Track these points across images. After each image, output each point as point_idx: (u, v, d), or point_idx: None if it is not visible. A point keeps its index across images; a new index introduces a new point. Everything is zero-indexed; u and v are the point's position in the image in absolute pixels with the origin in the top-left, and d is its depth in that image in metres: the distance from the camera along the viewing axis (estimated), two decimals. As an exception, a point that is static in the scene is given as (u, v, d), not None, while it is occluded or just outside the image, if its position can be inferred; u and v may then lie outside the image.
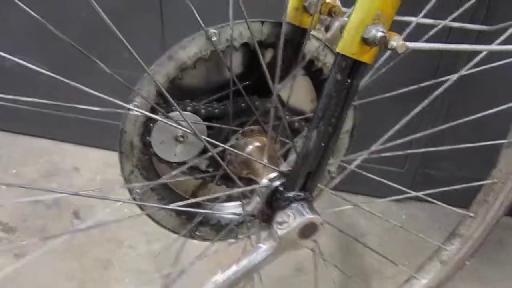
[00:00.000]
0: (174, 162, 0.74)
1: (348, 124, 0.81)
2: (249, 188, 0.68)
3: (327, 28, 0.74)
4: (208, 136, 0.73)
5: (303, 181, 0.62)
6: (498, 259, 1.43)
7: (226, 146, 0.67)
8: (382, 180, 0.84)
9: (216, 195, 0.75)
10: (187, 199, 0.81)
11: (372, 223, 1.50)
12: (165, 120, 0.63)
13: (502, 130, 0.84)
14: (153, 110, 0.67)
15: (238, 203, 0.87)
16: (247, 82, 0.75)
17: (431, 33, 0.70)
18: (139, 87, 0.66)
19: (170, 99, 0.59)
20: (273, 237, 0.60)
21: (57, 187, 1.56)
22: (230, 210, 0.87)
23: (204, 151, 0.74)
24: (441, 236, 0.98)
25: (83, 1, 0.48)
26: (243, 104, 0.73)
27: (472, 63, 0.71)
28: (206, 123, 0.72)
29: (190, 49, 0.67)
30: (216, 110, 0.73)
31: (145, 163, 0.73)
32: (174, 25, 1.35)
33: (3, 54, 0.48)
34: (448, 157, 1.48)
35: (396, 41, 0.52)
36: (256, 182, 0.71)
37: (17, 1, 0.49)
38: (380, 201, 1.41)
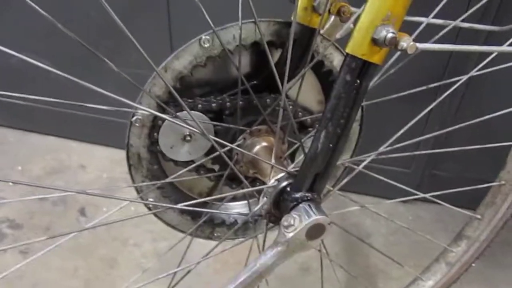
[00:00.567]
0: (182, 162, 0.74)
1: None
2: (256, 188, 0.68)
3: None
4: (216, 135, 0.73)
5: (311, 182, 0.61)
6: (505, 261, 1.43)
7: (233, 146, 0.67)
8: (389, 181, 0.83)
9: (224, 194, 0.75)
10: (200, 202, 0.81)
11: (378, 224, 1.50)
12: (173, 120, 0.63)
13: (511, 131, 0.84)
14: (161, 110, 0.67)
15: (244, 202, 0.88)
16: (254, 82, 0.75)
17: (441, 33, 0.70)
18: (147, 87, 0.66)
19: (178, 98, 0.59)
20: (281, 241, 0.59)
21: (64, 185, 1.57)
22: (238, 209, 0.87)
23: (211, 150, 0.74)
24: (447, 238, 0.97)
25: (94, 2, 0.48)
26: (251, 103, 0.73)
27: (481, 65, 0.71)
28: (214, 122, 0.72)
29: (185, 58, 0.67)
30: (224, 108, 0.73)
31: (155, 172, 0.73)
32: (181, 24, 1.35)
33: (11, 52, 0.48)
34: (455, 158, 1.47)
35: (406, 42, 0.51)
36: (263, 182, 0.70)
37: (30, 2, 0.49)
38: (387, 202, 1.40)
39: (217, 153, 0.64)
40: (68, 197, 1.50)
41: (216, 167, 0.79)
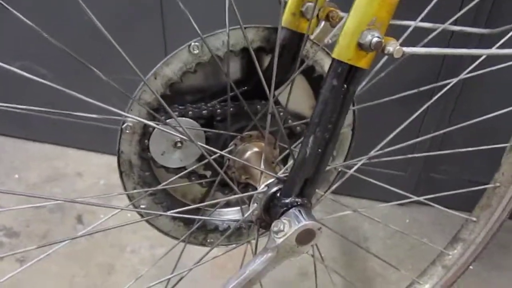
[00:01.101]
0: (173, 168, 0.74)
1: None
2: (246, 194, 0.68)
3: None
4: (207, 141, 0.73)
5: (301, 187, 0.61)
6: (503, 263, 1.42)
7: (222, 153, 0.67)
8: (383, 185, 0.83)
9: (215, 201, 0.75)
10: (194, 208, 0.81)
11: (375, 227, 1.49)
12: (162, 128, 0.63)
13: (506, 133, 0.84)
14: (150, 119, 0.67)
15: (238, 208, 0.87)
16: (244, 88, 0.75)
17: (429, 37, 0.69)
18: (137, 95, 0.66)
19: (166, 106, 0.59)
20: (271, 247, 0.59)
21: (60, 192, 1.57)
22: (232, 215, 0.87)
23: (203, 156, 0.74)
24: (445, 240, 0.97)
25: (88, 8, 0.48)
26: (242, 109, 0.73)
27: (471, 67, 0.71)
28: (204, 129, 0.72)
29: (175, 64, 0.67)
30: (215, 115, 0.73)
31: (147, 179, 0.73)
32: (175, 29, 1.35)
33: (3, 65, 0.48)
34: (452, 160, 1.47)
35: (393, 46, 0.51)
36: (255, 188, 0.70)
37: (12, 10, 0.49)
38: (382, 205, 1.40)
39: (207, 160, 0.64)
40: (65, 205, 1.50)
41: (209, 173, 0.79)
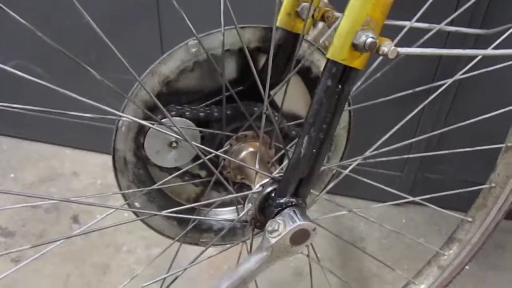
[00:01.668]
0: (167, 168, 0.74)
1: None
2: (240, 194, 0.68)
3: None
4: (202, 141, 0.73)
5: (295, 187, 0.61)
6: (500, 263, 1.42)
7: (217, 153, 0.67)
8: (379, 185, 0.83)
9: (210, 201, 0.75)
10: (175, 201, 0.81)
11: (371, 227, 1.49)
12: (157, 128, 0.63)
13: (502, 133, 0.84)
14: (146, 117, 0.67)
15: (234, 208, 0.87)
16: (241, 87, 0.75)
17: (425, 37, 0.70)
18: (132, 94, 0.66)
19: (160, 105, 0.59)
20: (265, 246, 0.59)
21: (56, 192, 1.56)
22: (227, 215, 0.87)
23: (198, 156, 0.74)
24: (441, 240, 0.97)
25: (83, 7, 0.48)
26: (237, 109, 0.73)
27: (467, 68, 0.71)
28: (200, 128, 0.72)
29: (172, 62, 0.67)
30: (211, 115, 0.72)
31: (141, 177, 0.73)
32: (172, 28, 1.35)
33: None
34: (448, 160, 1.47)
35: (387, 47, 0.51)
36: (250, 188, 0.70)
37: (8, 10, 0.49)
38: (377, 206, 1.40)
39: (202, 160, 0.64)
40: (61, 204, 1.49)
41: (204, 173, 0.79)
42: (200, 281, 1.28)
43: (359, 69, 0.54)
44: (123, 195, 0.73)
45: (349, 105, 0.78)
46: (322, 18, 0.69)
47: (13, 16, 0.48)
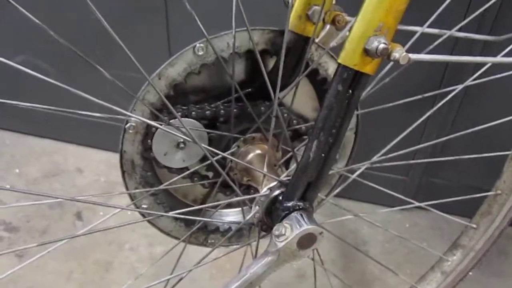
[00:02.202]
0: (176, 168, 0.74)
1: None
2: (248, 197, 0.68)
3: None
4: (210, 142, 0.73)
5: (303, 191, 0.61)
6: (503, 270, 1.42)
7: (225, 154, 0.67)
8: (385, 189, 0.83)
9: (217, 203, 0.75)
10: (182, 202, 0.81)
11: (375, 231, 1.49)
12: (164, 128, 0.63)
13: (508, 140, 0.84)
14: (155, 117, 0.67)
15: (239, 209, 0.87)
16: (250, 89, 0.75)
17: (435, 43, 0.69)
18: (141, 94, 0.66)
19: (170, 106, 0.59)
20: (272, 250, 0.59)
21: (60, 188, 1.57)
22: (233, 216, 0.87)
23: (205, 157, 0.74)
24: (444, 245, 0.97)
25: (92, 4, 0.48)
26: (246, 110, 0.73)
27: (476, 75, 0.71)
28: (207, 130, 0.72)
29: (179, 65, 0.67)
30: (218, 114, 0.72)
31: (149, 179, 0.73)
32: (179, 28, 1.35)
33: (4, 60, 0.48)
34: (453, 166, 1.47)
35: (399, 53, 0.51)
36: (257, 190, 0.70)
37: (17, 6, 0.49)
38: (381, 211, 1.40)
39: (210, 161, 0.64)
40: (65, 201, 1.50)
41: (210, 174, 0.79)
42: (201, 281, 1.28)
43: (370, 74, 0.54)
44: (130, 196, 0.73)
45: (356, 110, 0.78)
46: (333, 22, 0.69)
47: (22, 12, 0.48)
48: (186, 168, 0.76)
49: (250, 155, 0.74)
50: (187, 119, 0.70)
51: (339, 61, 0.53)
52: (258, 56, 0.63)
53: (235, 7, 0.60)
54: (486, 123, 0.75)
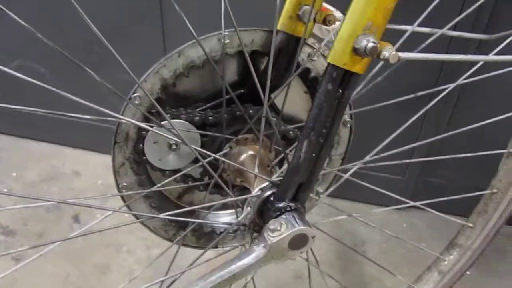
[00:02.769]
0: (167, 170, 0.74)
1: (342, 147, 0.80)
2: (240, 198, 0.68)
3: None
4: (202, 143, 0.73)
5: (294, 192, 0.61)
6: (500, 269, 1.42)
7: (216, 156, 0.67)
8: (381, 190, 0.83)
9: (209, 204, 0.75)
10: (172, 201, 0.80)
11: (372, 231, 1.49)
12: (156, 131, 0.63)
13: (504, 139, 0.83)
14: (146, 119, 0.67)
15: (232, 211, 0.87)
16: (242, 90, 0.75)
17: (427, 42, 0.69)
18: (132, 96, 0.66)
19: (159, 108, 0.59)
20: (263, 244, 0.59)
21: (58, 191, 1.56)
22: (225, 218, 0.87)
23: (198, 159, 0.74)
24: (442, 245, 0.97)
25: (87, 7, 0.48)
26: (237, 112, 0.72)
27: (468, 73, 0.70)
28: (200, 131, 0.72)
29: (170, 67, 0.67)
30: (210, 118, 0.72)
31: (137, 158, 0.72)
32: (175, 29, 1.35)
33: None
34: (449, 165, 1.47)
35: (388, 52, 0.51)
36: (249, 191, 0.70)
37: (8, 12, 0.49)
38: (378, 210, 1.40)
39: (201, 163, 0.64)
40: (62, 204, 1.49)
41: (204, 176, 0.79)
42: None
43: (360, 73, 0.53)
44: (122, 197, 0.73)
45: (350, 109, 0.77)
46: (324, 22, 0.68)
47: (13, 17, 0.48)
48: (180, 170, 0.75)
49: (243, 156, 0.73)
50: (179, 120, 0.70)
51: (328, 60, 0.53)
52: (247, 56, 0.62)
53: (224, 7, 0.60)
54: (483, 121, 0.75)
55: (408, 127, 0.73)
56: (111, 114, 0.58)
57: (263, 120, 0.63)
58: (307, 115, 0.57)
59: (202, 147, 0.72)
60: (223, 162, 0.73)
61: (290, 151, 0.73)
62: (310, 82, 0.77)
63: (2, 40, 1.52)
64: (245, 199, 0.66)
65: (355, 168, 0.71)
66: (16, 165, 1.66)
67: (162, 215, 0.69)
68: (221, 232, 0.82)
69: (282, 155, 0.75)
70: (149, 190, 0.73)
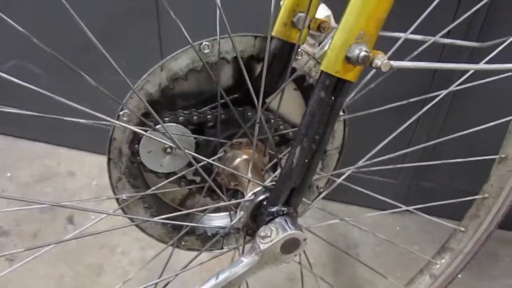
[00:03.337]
0: (162, 173, 0.74)
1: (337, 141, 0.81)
2: (233, 202, 0.68)
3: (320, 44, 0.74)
4: (197, 147, 0.73)
5: (287, 197, 0.62)
6: (492, 272, 1.43)
7: (210, 160, 0.68)
8: (373, 194, 0.84)
9: (203, 208, 0.75)
10: (174, 207, 0.81)
11: (365, 234, 1.49)
12: (150, 135, 0.63)
13: (496, 144, 0.84)
14: (141, 123, 0.68)
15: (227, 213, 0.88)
16: (237, 95, 0.75)
17: (419, 49, 0.70)
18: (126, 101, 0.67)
19: (153, 112, 0.59)
20: (255, 251, 0.59)
21: (52, 192, 1.56)
22: (219, 221, 0.87)
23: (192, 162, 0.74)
24: (435, 248, 0.97)
25: (84, 10, 0.49)
26: (232, 115, 0.73)
27: (460, 80, 0.71)
28: (194, 135, 0.72)
29: (167, 71, 0.68)
30: (205, 120, 0.73)
31: (133, 171, 0.73)
32: (171, 32, 1.35)
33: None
34: (442, 169, 1.48)
35: (380, 60, 0.52)
36: (243, 195, 0.71)
37: (4, 17, 0.49)
38: (371, 214, 1.41)
39: (195, 167, 0.64)
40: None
41: (198, 179, 0.79)
42: (191, 284, 1.28)
43: (353, 81, 0.54)
44: (117, 200, 0.73)
45: (344, 113, 0.78)
46: (318, 29, 0.69)
47: (12, 17, 0.49)
48: (174, 173, 0.76)
49: (237, 160, 0.74)
50: (174, 124, 0.71)
51: (321, 68, 0.54)
52: (241, 61, 0.63)
53: (219, 14, 0.60)
54: (475, 127, 0.76)
55: (401, 132, 0.74)
56: (106, 118, 0.58)
57: (257, 126, 0.63)
58: (300, 121, 0.57)
59: (196, 151, 0.72)
60: (217, 166, 0.74)
61: (284, 155, 0.74)
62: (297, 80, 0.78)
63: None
64: (239, 203, 0.67)
65: (348, 173, 0.72)
66: (10, 165, 1.66)
67: (156, 219, 0.70)
68: (213, 235, 0.83)
69: (275, 160, 0.75)
70: (143, 193, 0.74)
